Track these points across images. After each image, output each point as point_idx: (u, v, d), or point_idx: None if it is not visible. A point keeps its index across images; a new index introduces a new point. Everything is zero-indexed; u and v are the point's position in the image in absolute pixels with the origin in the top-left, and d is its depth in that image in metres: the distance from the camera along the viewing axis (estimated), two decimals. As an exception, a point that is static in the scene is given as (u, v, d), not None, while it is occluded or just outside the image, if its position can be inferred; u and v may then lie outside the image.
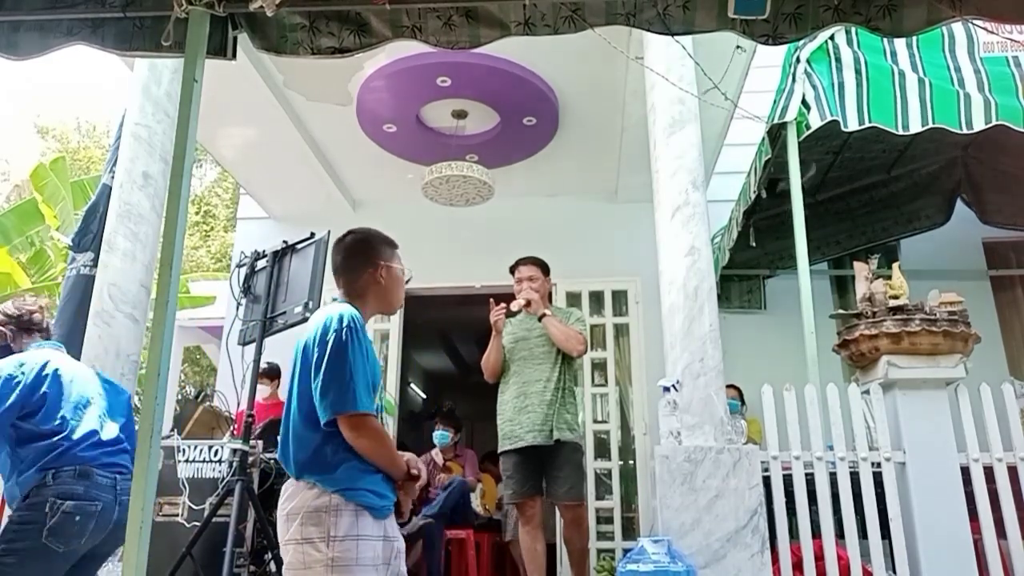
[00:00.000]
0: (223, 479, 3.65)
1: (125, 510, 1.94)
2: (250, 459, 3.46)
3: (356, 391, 1.94)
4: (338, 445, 1.94)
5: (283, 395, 5.75)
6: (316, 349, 2.00)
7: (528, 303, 4.02)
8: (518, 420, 3.94)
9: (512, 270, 4.25)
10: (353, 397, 1.93)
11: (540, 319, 4.00)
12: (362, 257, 2.24)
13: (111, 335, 3.97)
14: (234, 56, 2.37)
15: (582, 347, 3.96)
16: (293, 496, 1.95)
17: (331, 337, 1.98)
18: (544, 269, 4.20)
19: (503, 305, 4.05)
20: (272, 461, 3.76)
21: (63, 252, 8.98)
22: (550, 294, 4.37)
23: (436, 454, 6.15)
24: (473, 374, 11.76)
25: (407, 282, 2.31)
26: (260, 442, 3.66)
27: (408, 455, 2.10)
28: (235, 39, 2.37)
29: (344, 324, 2.00)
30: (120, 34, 2.34)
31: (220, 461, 3.88)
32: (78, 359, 4.00)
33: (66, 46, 2.36)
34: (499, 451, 4.03)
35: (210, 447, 3.93)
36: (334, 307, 2.10)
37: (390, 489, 2.01)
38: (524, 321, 4.09)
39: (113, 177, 4.45)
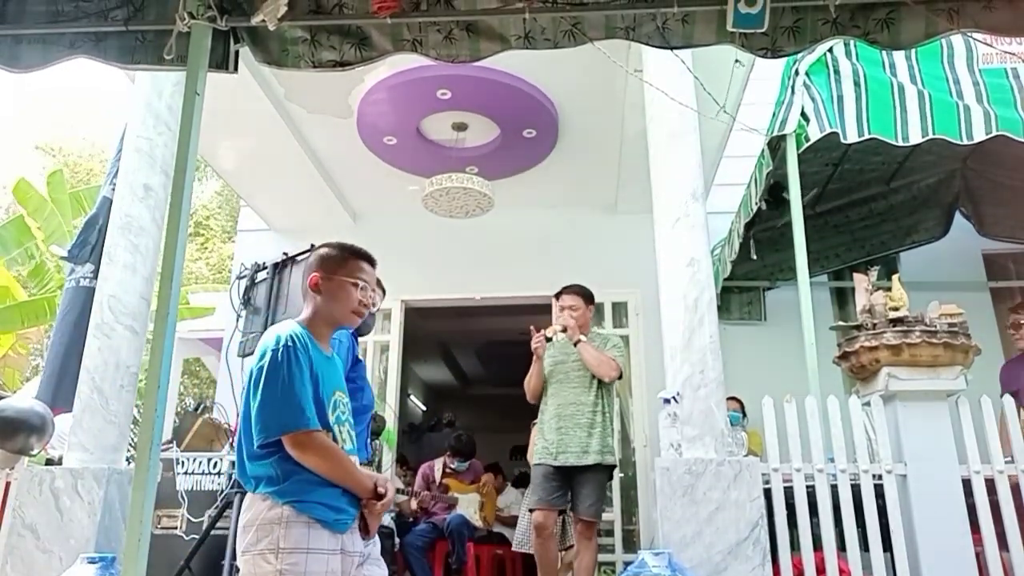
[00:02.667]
0: (222, 491, 3.64)
1: None
2: (249, 471, 3.44)
3: (294, 409, 1.92)
4: (286, 458, 1.93)
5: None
6: (255, 369, 2.01)
7: (564, 330, 4.14)
8: (554, 440, 4.06)
9: (557, 296, 4.34)
10: (290, 416, 1.92)
11: (575, 345, 4.09)
12: (308, 270, 2.21)
13: (111, 347, 3.97)
14: (236, 69, 2.39)
15: (615, 373, 4.07)
16: (248, 508, 1.95)
17: (267, 357, 1.97)
18: (586, 298, 4.30)
19: (542, 332, 4.19)
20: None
21: (60, 265, 8.98)
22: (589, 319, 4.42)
23: (435, 468, 6.15)
24: (472, 385, 11.80)
25: (370, 304, 2.24)
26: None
27: (377, 475, 2.08)
28: (237, 52, 2.39)
29: (280, 343, 1.98)
30: (123, 47, 2.36)
31: (219, 473, 3.88)
32: (77, 371, 4.01)
33: (69, 59, 2.38)
34: (533, 463, 4.17)
35: (209, 459, 3.93)
36: (276, 327, 2.10)
37: (350, 503, 1.98)
38: (564, 346, 4.21)
39: (114, 189, 4.46)
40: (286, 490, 1.91)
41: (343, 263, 2.21)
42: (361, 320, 2.21)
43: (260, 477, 1.94)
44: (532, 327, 4.24)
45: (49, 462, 4.08)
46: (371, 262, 2.30)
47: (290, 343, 1.99)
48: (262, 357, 1.99)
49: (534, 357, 4.22)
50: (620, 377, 4.15)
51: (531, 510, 4.11)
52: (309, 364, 2.00)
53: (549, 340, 4.21)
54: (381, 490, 2.03)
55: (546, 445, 4.08)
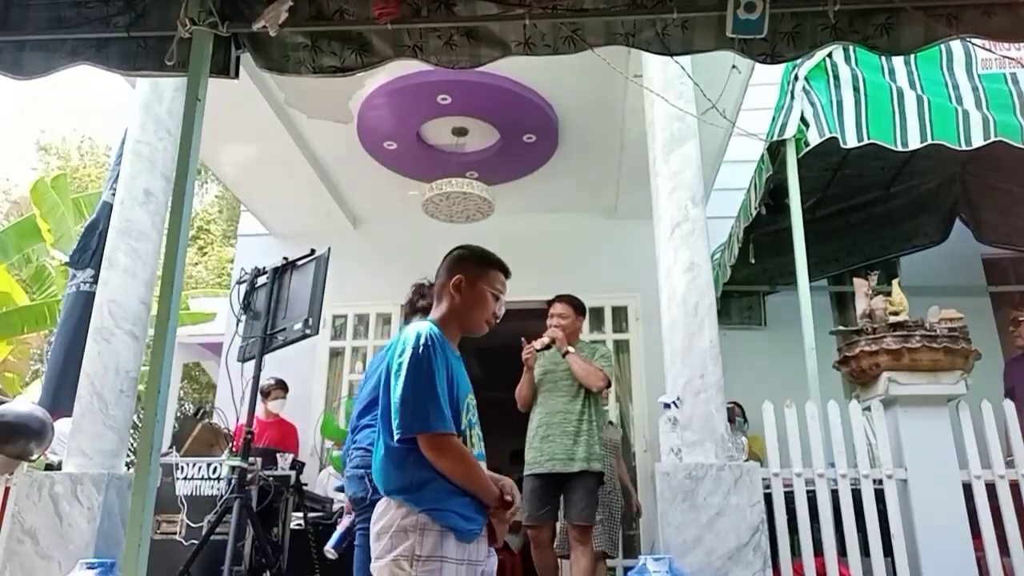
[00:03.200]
0: (222, 496, 3.63)
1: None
2: (249, 476, 3.44)
3: (432, 410, 1.90)
4: (423, 464, 1.90)
5: (275, 409, 5.76)
6: (395, 367, 1.98)
7: (553, 341, 4.18)
8: (540, 448, 4.09)
9: (549, 304, 4.40)
10: (429, 416, 1.89)
11: (564, 356, 4.12)
12: (444, 268, 2.23)
13: (111, 351, 3.97)
14: (236, 75, 2.39)
15: (602, 383, 4.10)
16: (384, 514, 1.92)
17: (408, 354, 1.96)
18: (577, 308, 4.35)
19: (532, 344, 4.22)
20: (271, 479, 3.75)
21: (63, 269, 8.98)
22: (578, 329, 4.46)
23: None
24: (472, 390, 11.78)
25: (498, 305, 2.20)
26: (259, 459, 3.65)
27: (503, 479, 2.03)
28: (238, 58, 2.39)
29: (422, 341, 1.97)
30: (124, 54, 2.36)
31: (219, 478, 3.87)
32: (77, 375, 4.01)
33: (71, 66, 2.38)
34: (524, 474, 4.18)
35: (209, 464, 3.92)
36: (417, 324, 2.07)
37: (479, 511, 1.95)
38: (553, 355, 4.23)
39: (114, 194, 4.46)
40: (423, 498, 1.88)
41: (487, 272, 2.22)
42: (488, 331, 2.20)
43: (396, 483, 1.92)
44: (523, 339, 4.29)
45: (49, 467, 4.08)
46: (509, 275, 2.29)
47: (429, 341, 1.97)
48: (403, 352, 1.98)
49: (524, 368, 4.28)
50: (608, 386, 4.18)
51: (526, 526, 4.16)
52: (446, 364, 1.99)
53: (540, 351, 4.25)
54: (508, 497, 1.99)
55: (534, 456, 4.12)
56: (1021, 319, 4.46)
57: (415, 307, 3.48)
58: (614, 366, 4.65)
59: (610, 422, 5.45)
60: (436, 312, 2.18)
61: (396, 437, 1.90)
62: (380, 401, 2.03)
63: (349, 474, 3.19)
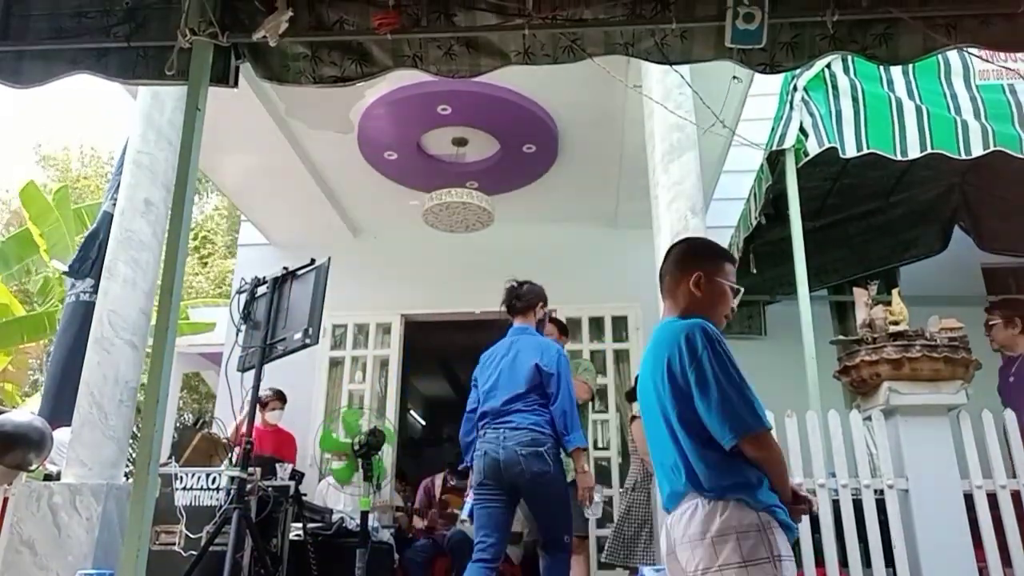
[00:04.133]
0: (221, 507, 3.62)
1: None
2: (248, 487, 3.43)
3: (753, 407, 1.85)
4: (748, 463, 1.85)
5: (273, 420, 5.74)
6: (691, 371, 1.89)
7: None
8: None
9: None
10: (753, 415, 1.85)
11: None
12: (681, 267, 2.12)
13: (111, 361, 3.96)
14: (236, 85, 2.40)
15: (586, 395, 4.15)
16: (713, 515, 1.81)
17: (704, 355, 1.88)
18: (560, 329, 4.57)
19: None
20: (270, 489, 3.74)
21: (62, 279, 8.97)
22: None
23: (435, 483, 6.12)
24: (473, 400, 11.73)
25: (736, 298, 2.13)
26: (258, 470, 3.64)
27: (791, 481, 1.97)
28: (238, 68, 2.40)
29: (711, 337, 1.90)
30: (124, 63, 2.37)
31: (218, 489, 3.85)
32: (76, 385, 4.00)
33: (71, 75, 2.39)
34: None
35: (208, 475, 3.91)
36: (682, 323, 1.97)
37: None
38: None
39: (114, 204, 4.47)
40: (762, 496, 1.82)
41: (722, 265, 2.14)
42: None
43: (727, 482, 1.84)
44: None
45: (48, 477, 4.07)
46: (736, 266, 2.21)
47: (719, 336, 1.91)
48: (694, 353, 1.89)
49: None
50: (592, 399, 4.21)
51: (532, 542, 4.17)
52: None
53: None
54: (802, 493, 1.94)
55: None
56: (992, 323, 4.48)
57: (515, 309, 3.90)
58: (611, 376, 4.70)
59: None
60: (673, 311, 2.09)
61: (730, 444, 1.83)
62: (666, 409, 1.94)
63: (525, 452, 3.48)
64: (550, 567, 3.55)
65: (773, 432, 1.93)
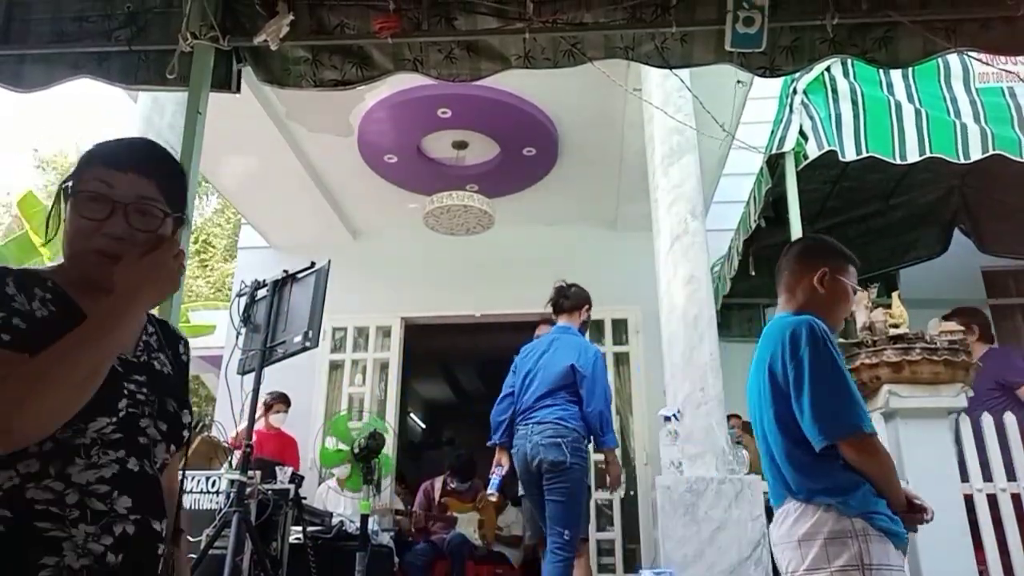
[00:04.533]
0: (220, 510, 3.61)
1: None
2: (248, 490, 3.42)
3: (853, 409, 1.77)
4: (844, 466, 1.78)
5: (276, 423, 5.74)
6: (790, 367, 1.83)
7: None
8: None
9: (535, 327, 4.57)
10: (852, 418, 1.77)
11: None
12: (805, 262, 2.04)
13: (110, 365, 3.96)
14: (238, 89, 2.40)
15: None
16: (802, 520, 1.78)
17: (805, 352, 1.80)
18: None
19: None
20: (270, 493, 3.73)
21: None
22: None
23: (435, 486, 6.12)
24: (473, 403, 11.75)
25: (856, 304, 2.11)
26: (258, 473, 3.63)
27: (906, 488, 1.91)
28: (239, 72, 2.41)
29: (817, 335, 1.82)
30: (125, 67, 2.38)
31: (217, 492, 3.85)
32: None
33: (72, 79, 2.39)
34: (520, 494, 4.24)
35: (207, 478, 3.90)
36: (792, 319, 1.91)
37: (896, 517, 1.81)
38: None
39: (115, 207, 4.47)
40: (854, 501, 1.75)
41: (846, 266, 2.04)
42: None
43: (817, 486, 1.78)
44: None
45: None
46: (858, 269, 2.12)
47: (825, 334, 1.84)
48: (796, 351, 1.83)
49: None
50: None
51: (533, 545, 4.21)
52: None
53: None
54: (916, 501, 1.87)
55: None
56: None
57: (561, 308, 4.01)
58: (612, 378, 4.72)
59: None
60: (790, 305, 2.02)
61: (820, 445, 1.76)
62: (767, 408, 1.90)
63: (545, 442, 3.60)
64: (549, 567, 3.58)
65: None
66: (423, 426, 11.98)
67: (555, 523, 3.60)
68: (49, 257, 9.08)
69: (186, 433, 1.24)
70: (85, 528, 1.05)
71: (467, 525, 5.84)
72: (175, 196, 1.26)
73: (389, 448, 6.23)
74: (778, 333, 1.91)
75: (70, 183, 1.21)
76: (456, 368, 10.55)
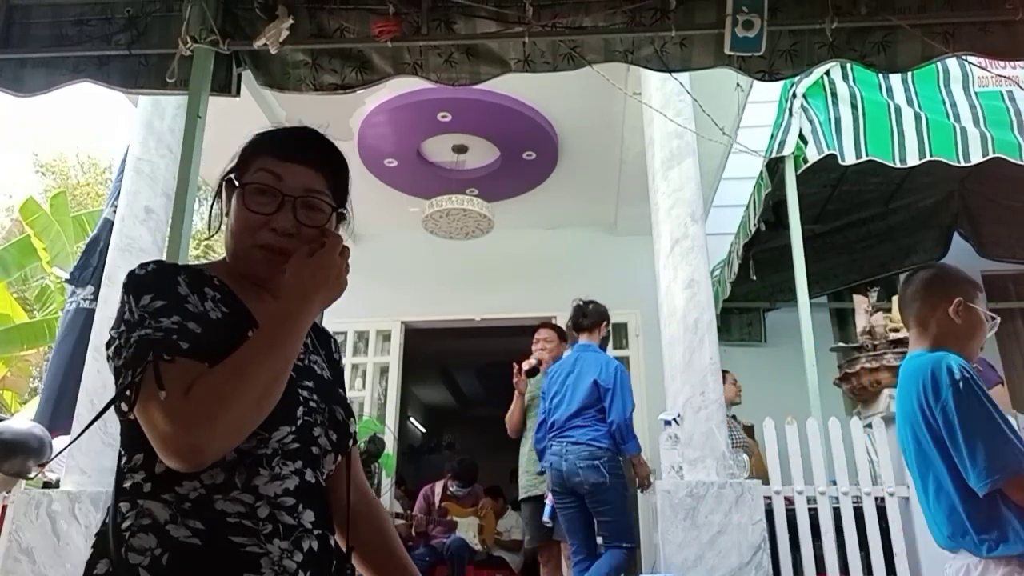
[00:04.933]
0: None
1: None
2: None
3: (1009, 448, 1.71)
4: (1009, 505, 1.72)
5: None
6: (938, 413, 1.78)
7: (539, 363, 4.42)
8: (533, 472, 4.27)
9: (535, 330, 4.67)
10: (1011, 458, 1.70)
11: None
12: (938, 292, 1.98)
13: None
14: (238, 93, 2.41)
15: None
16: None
17: (949, 394, 1.77)
18: (560, 335, 4.62)
19: (523, 370, 4.46)
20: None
21: (62, 287, 8.96)
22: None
23: (435, 491, 6.11)
24: (472, 407, 11.71)
25: (991, 330, 2.02)
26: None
27: None
28: (239, 76, 2.41)
29: (955, 377, 1.77)
30: (126, 71, 2.38)
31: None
32: (75, 392, 3.99)
33: (72, 83, 2.39)
34: (519, 499, 4.40)
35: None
36: (929, 358, 1.86)
37: None
38: (540, 381, 4.39)
39: (115, 211, 4.47)
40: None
41: (977, 294, 1.99)
42: None
43: (990, 535, 1.72)
44: (515, 364, 4.46)
45: (47, 485, 4.05)
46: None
47: (970, 373, 1.79)
48: (937, 397, 1.78)
49: (515, 393, 4.46)
50: None
51: (528, 548, 4.29)
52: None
53: (530, 374, 4.46)
54: None
55: (528, 479, 4.28)
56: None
57: (581, 327, 4.10)
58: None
59: None
60: (924, 340, 1.98)
61: (983, 491, 1.70)
62: (928, 446, 1.83)
63: (583, 464, 3.71)
64: (605, 556, 3.73)
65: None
66: (423, 430, 11.97)
67: (612, 540, 3.73)
68: (49, 261, 9.08)
69: (351, 444, 1.17)
70: (279, 543, 0.99)
71: (467, 529, 5.83)
72: (340, 189, 1.22)
73: (390, 451, 6.25)
74: (918, 374, 1.87)
75: (234, 174, 1.16)
76: (456, 372, 10.54)
